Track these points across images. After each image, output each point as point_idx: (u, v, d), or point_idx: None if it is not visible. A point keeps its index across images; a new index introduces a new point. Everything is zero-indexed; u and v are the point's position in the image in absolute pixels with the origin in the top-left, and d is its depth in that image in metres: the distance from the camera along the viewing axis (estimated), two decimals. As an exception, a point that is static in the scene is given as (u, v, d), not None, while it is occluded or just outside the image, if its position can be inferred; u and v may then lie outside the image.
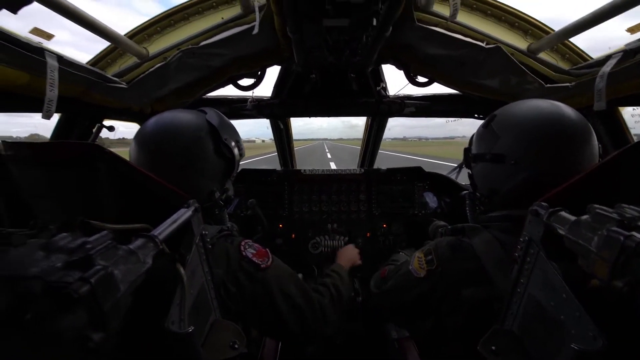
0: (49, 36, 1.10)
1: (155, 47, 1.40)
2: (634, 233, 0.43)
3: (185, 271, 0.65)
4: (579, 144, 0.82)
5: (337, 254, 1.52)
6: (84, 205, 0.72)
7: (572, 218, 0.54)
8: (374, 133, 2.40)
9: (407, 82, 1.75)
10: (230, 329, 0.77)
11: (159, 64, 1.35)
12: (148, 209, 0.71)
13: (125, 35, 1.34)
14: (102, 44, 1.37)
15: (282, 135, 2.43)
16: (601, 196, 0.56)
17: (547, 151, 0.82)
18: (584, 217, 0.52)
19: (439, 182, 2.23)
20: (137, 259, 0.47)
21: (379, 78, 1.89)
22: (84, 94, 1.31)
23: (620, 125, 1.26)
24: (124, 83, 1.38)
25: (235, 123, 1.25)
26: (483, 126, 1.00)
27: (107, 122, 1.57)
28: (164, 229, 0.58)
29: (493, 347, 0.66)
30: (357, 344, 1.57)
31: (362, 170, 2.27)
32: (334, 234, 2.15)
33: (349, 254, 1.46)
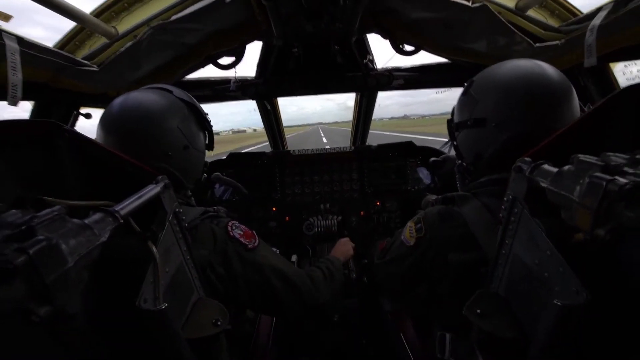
0: (6, 17, 1.03)
1: (124, 25, 1.32)
2: (617, 177, 0.41)
3: (158, 249, 0.63)
4: (559, 102, 0.79)
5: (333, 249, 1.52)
6: (46, 185, 0.69)
7: (555, 170, 0.51)
8: (364, 109, 2.35)
9: (394, 52, 1.69)
10: (214, 307, 0.75)
11: (129, 43, 1.28)
12: (121, 189, 0.67)
13: (91, 13, 1.27)
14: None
15: (270, 116, 2.37)
16: (588, 147, 0.53)
17: (527, 111, 0.80)
18: (567, 167, 0.49)
19: (432, 156, 2.20)
20: (92, 233, 0.45)
21: (365, 50, 1.82)
22: (54, 79, 1.25)
23: (611, 83, 1.22)
24: (94, 66, 1.31)
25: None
26: (462, 93, 0.98)
27: (84, 110, 1.51)
28: (126, 204, 0.55)
29: (478, 310, 0.65)
30: (353, 319, 1.59)
31: (353, 148, 2.23)
32: (327, 214, 2.14)
33: (344, 248, 1.49)
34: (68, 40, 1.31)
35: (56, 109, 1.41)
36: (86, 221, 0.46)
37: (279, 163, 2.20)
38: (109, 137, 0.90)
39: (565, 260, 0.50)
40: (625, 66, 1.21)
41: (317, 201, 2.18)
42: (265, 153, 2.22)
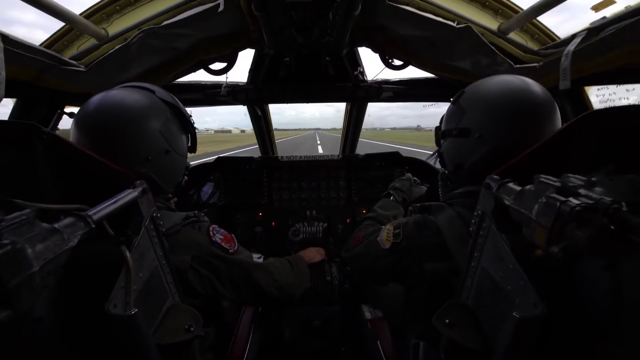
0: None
1: (114, 27, 1.32)
2: (570, 198, 0.43)
3: (132, 254, 0.63)
4: (542, 119, 0.82)
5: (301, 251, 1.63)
6: (21, 187, 0.68)
7: (519, 188, 0.54)
8: (353, 119, 2.38)
9: (384, 66, 1.74)
10: (187, 313, 0.75)
11: (119, 46, 1.29)
12: (99, 193, 0.67)
13: (81, 14, 1.27)
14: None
15: (261, 121, 2.38)
16: (554, 167, 0.56)
17: (510, 124, 0.82)
18: (528, 186, 0.52)
19: (417, 168, 2.23)
20: (61, 237, 0.45)
21: (356, 62, 1.86)
22: (38, 78, 1.23)
23: (585, 105, 1.28)
24: (82, 66, 1.31)
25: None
26: (452, 103, 1.01)
27: (69, 109, 1.50)
28: (100, 209, 0.55)
29: (447, 320, 0.67)
30: (333, 325, 1.59)
31: (341, 156, 2.25)
32: (314, 220, 2.15)
33: (310, 253, 1.62)
34: (56, 40, 1.30)
35: (39, 107, 1.39)
36: (56, 225, 0.46)
37: (267, 168, 2.21)
38: (83, 137, 0.85)
39: (525, 275, 0.52)
40: (598, 89, 1.27)
41: (303, 207, 2.19)
42: (253, 158, 2.23)
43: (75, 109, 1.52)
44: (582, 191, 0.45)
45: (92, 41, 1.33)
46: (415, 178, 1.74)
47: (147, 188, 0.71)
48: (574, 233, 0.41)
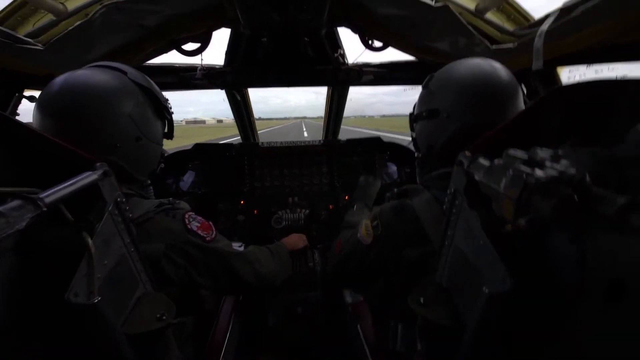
0: None
1: (73, 2, 1.22)
2: (536, 170, 0.43)
3: (95, 240, 0.59)
4: (505, 99, 0.85)
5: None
6: None
7: (488, 163, 0.54)
8: (335, 103, 2.35)
9: (364, 49, 1.71)
10: (159, 301, 0.73)
11: (79, 22, 1.19)
12: (57, 178, 0.63)
13: (34, -14, 1.16)
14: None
15: (240, 107, 2.31)
16: (523, 143, 0.56)
17: (475, 104, 0.85)
18: (497, 160, 0.52)
19: (398, 152, 2.25)
20: (5, 221, 0.41)
21: (336, 44, 1.81)
22: None
23: (557, 85, 1.30)
24: (39, 45, 1.21)
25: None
26: (423, 87, 1.03)
27: (28, 92, 1.39)
28: (53, 191, 0.51)
29: (421, 299, 0.68)
30: (316, 311, 1.61)
31: (322, 141, 2.23)
32: (296, 207, 2.14)
33: (292, 240, 1.58)
34: (7, 15, 1.19)
35: None
36: (0, 208, 0.42)
37: (247, 155, 2.16)
38: (46, 120, 0.80)
39: (495, 251, 0.53)
40: (569, 71, 1.30)
41: (286, 194, 2.16)
42: (233, 145, 2.17)
43: (36, 93, 1.42)
44: (548, 163, 0.46)
45: (50, 17, 1.22)
46: (368, 176, 1.77)
47: (109, 171, 0.67)
48: (539, 204, 0.42)
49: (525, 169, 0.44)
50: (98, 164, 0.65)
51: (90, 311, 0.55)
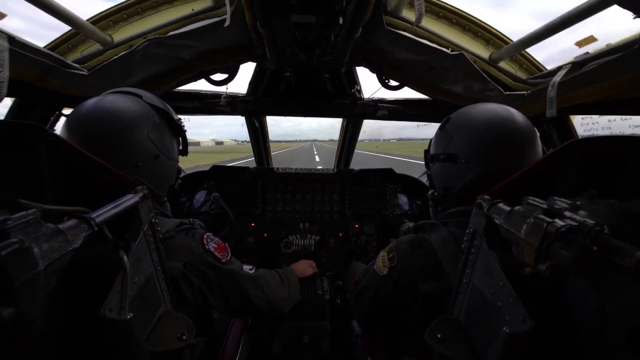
0: (0, 15, 1.05)
1: (120, 35, 1.35)
2: (557, 220, 0.46)
3: (129, 259, 0.63)
4: (524, 146, 0.87)
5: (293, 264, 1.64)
6: (22, 188, 0.68)
7: (508, 208, 0.57)
8: (349, 134, 2.43)
9: (380, 85, 1.80)
10: (180, 321, 0.74)
11: (123, 52, 1.31)
12: (98, 197, 0.68)
13: (88, 20, 1.29)
14: (60, 32, 1.32)
15: (258, 133, 2.41)
16: (541, 190, 0.59)
17: (494, 151, 0.87)
18: (518, 207, 0.55)
19: (410, 184, 2.28)
20: (65, 238, 0.45)
21: (354, 80, 1.92)
22: (40, 79, 1.24)
23: (570, 132, 1.35)
24: (84, 70, 1.32)
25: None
26: (439, 128, 1.06)
27: (67, 111, 1.49)
28: (102, 212, 0.55)
29: (439, 335, 0.68)
30: (324, 340, 1.57)
31: (335, 170, 2.28)
32: (306, 233, 2.15)
33: (301, 266, 1.62)
34: (61, 42, 1.32)
35: (37, 107, 1.39)
36: (60, 226, 0.46)
37: (261, 179, 2.21)
38: (73, 140, 0.84)
39: (515, 292, 0.54)
40: (582, 118, 1.35)
41: (297, 220, 2.19)
42: (248, 168, 2.23)
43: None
44: (567, 213, 0.49)
45: (97, 46, 1.35)
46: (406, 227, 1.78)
47: (148, 194, 0.71)
48: (559, 252, 0.44)
49: (546, 218, 0.47)
50: (139, 187, 0.70)
51: (121, 327, 0.57)
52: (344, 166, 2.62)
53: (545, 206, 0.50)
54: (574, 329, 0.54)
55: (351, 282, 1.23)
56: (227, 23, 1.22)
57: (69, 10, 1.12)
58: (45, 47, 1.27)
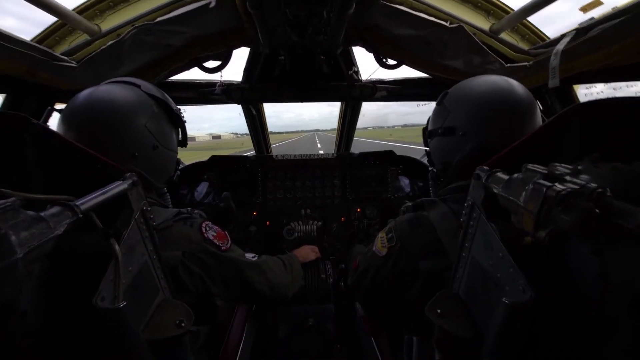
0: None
1: (107, 24, 1.32)
2: (556, 184, 0.44)
3: (121, 247, 0.62)
4: (522, 117, 0.84)
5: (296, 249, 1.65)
6: (7, 178, 0.67)
7: (507, 177, 0.55)
8: (348, 118, 2.39)
9: (378, 66, 1.75)
10: (178, 308, 0.74)
11: (111, 42, 1.28)
12: (89, 187, 0.67)
13: (74, 10, 1.26)
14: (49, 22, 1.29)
15: (255, 121, 2.38)
16: (541, 159, 0.56)
17: (492, 123, 0.85)
18: (516, 175, 0.53)
19: (411, 166, 2.25)
20: (47, 225, 0.44)
21: (351, 62, 1.87)
22: (29, 73, 1.22)
23: (573, 103, 1.30)
24: (73, 62, 1.30)
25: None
26: (437, 103, 1.03)
27: (59, 106, 1.48)
28: (88, 199, 0.54)
29: (439, 310, 0.67)
30: (328, 323, 1.59)
31: (335, 155, 2.26)
32: (308, 219, 2.14)
33: (304, 252, 1.61)
34: (47, 35, 1.30)
35: (29, 102, 1.38)
36: (42, 214, 0.45)
37: (261, 167, 2.20)
38: (69, 132, 0.84)
39: (514, 262, 0.53)
40: (587, 88, 1.30)
41: (298, 206, 2.18)
42: (248, 157, 2.22)
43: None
44: (568, 178, 0.46)
45: (85, 37, 1.32)
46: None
47: (137, 181, 0.70)
48: (560, 217, 0.42)
49: (545, 182, 0.45)
50: (127, 174, 0.69)
51: (114, 315, 0.56)
52: (345, 150, 2.59)
53: (545, 171, 0.48)
54: (576, 296, 0.52)
55: (351, 268, 1.22)
56: (212, 4, 1.18)
57: (54, 0, 1.09)
58: (32, 40, 1.24)
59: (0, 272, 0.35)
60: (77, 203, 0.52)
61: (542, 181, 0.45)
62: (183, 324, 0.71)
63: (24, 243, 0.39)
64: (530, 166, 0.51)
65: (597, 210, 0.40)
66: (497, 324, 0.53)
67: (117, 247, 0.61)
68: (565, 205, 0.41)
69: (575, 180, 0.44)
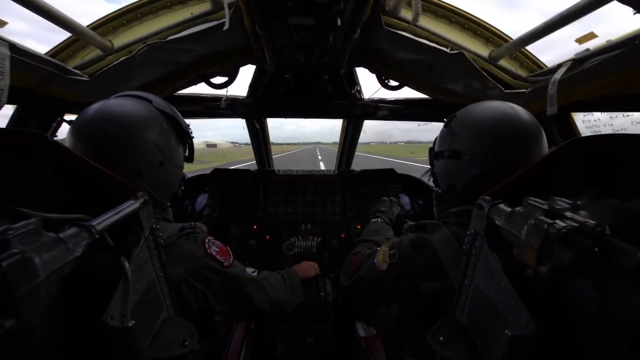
0: (1, 23, 1.06)
1: (120, 40, 1.36)
2: (557, 221, 0.46)
3: (131, 265, 0.63)
4: (529, 144, 0.86)
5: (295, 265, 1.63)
6: (22, 195, 0.68)
7: (509, 209, 0.57)
8: (349, 135, 2.43)
9: (380, 86, 1.80)
10: (182, 327, 0.74)
11: (123, 58, 1.32)
12: (98, 203, 0.68)
13: (88, 26, 1.30)
14: (63, 35, 1.33)
15: (259, 135, 2.41)
16: (542, 189, 0.59)
17: (499, 149, 0.86)
18: (518, 208, 0.55)
19: (412, 184, 2.27)
20: (66, 247, 0.45)
21: (354, 81, 1.92)
22: (42, 86, 1.25)
23: (572, 130, 1.34)
24: (85, 76, 1.33)
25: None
26: (444, 125, 1.05)
27: (69, 117, 1.50)
28: (103, 220, 0.56)
29: (441, 338, 0.68)
30: (327, 343, 1.57)
31: (337, 171, 2.28)
32: (308, 234, 2.15)
33: (304, 267, 1.60)
34: (62, 49, 1.33)
35: (39, 114, 1.40)
36: (61, 235, 0.46)
37: (263, 181, 2.22)
38: (78, 145, 0.84)
39: (517, 293, 0.54)
40: (584, 115, 1.34)
41: (298, 221, 2.19)
42: (250, 170, 2.24)
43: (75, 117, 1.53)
44: (568, 214, 0.48)
45: (98, 52, 1.35)
46: (392, 198, 1.80)
47: (149, 200, 0.72)
48: (560, 253, 0.44)
49: (546, 219, 0.47)
50: (139, 193, 0.70)
51: (123, 334, 0.57)
52: (345, 167, 2.61)
53: (545, 207, 0.50)
54: (577, 329, 0.54)
55: (350, 267, 1.23)
56: (226, 27, 1.22)
57: (69, 16, 1.12)
58: (46, 53, 1.28)
59: (25, 295, 0.36)
60: (93, 224, 0.53)
61: (543, 217, 0.47)
62: (187, 343, 0.71)
63: (46, 266, 0.40)
64: (531, 200, 0.53)
65: (596, 248, 0.42)
66: (500, 355, 0.54)
67: (127, 265, 0.62)
68: (566, 243, 0.43)
69: (575, 217, 0.46)
